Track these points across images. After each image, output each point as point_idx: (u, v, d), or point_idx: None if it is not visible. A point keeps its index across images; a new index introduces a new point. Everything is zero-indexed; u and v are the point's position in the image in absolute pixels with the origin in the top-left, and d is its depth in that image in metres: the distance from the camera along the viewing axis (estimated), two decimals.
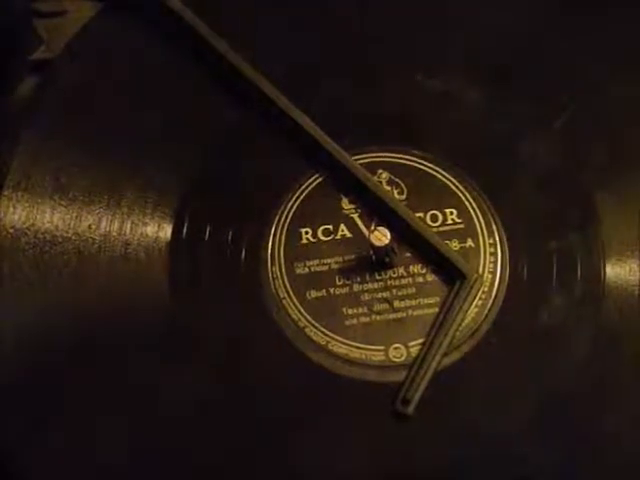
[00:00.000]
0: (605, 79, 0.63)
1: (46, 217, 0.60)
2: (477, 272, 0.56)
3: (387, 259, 0.59)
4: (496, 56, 0.64)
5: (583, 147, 0.62)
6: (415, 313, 0.58)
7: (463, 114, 0.63)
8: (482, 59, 0.64)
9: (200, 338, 0.58)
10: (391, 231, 0.57)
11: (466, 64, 0.64)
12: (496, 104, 0.63)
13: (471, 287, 0.53)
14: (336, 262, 0.60)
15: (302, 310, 0.59)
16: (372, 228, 0.57)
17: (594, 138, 0.62)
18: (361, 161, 0.61)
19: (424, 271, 0.59)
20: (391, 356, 0.58)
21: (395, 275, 0.60)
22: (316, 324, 0.59)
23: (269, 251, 0.60)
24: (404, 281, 0.59)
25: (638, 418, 0.57)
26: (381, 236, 0.57)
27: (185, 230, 0.60)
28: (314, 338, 0.58)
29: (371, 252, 0.59)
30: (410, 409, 0.54)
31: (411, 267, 0.60)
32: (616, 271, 0.59)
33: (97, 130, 0.62)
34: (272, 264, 0.60)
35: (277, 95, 0.61)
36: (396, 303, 0.59)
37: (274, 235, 0.61)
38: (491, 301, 0.58)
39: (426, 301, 0.59)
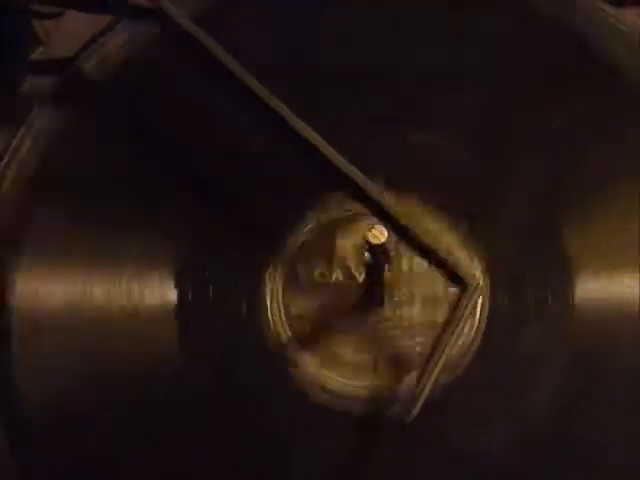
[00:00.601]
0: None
1: (59, 287, 0.62)
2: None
3: (382, 257, 0.59)
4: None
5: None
6: (404, 352, 0.61)
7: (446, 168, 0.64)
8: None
9: (208, 389, 0.61)
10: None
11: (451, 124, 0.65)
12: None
13: (472, 294, 0.53)
14: (330, 304, 0.62)
15: (299, 347, 0.61)
16: (370, 226, 0.57)
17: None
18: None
19: (411, 315, 0.62)
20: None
21: (384, 317, 0.62)
22: (313, 361, 0.61)
23: (268, 296, 0.62)
24: (390, 323, 0.62)
25: (619, 435, 0.59)
26: (378, 234, 0.57)
27: (188, 288, 0.62)
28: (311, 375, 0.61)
29: (366, 251, 0.59)
30: (413, 413, 0.54)
31: (397, 311, 0.62)
32: (587, 288, 0.61)
33: (97, 203, 0.63)
34: (271, 309, 0.62)
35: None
36: (383, 342, 0.61)
37: (271, 281, 0.63)
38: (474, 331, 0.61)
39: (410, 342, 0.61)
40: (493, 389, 0.60)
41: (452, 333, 0.52)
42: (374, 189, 0.54)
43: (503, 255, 0.63)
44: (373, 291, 0.62)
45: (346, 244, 0.63)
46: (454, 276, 0.53)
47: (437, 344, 0.52)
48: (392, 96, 0.64)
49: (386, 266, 0.61)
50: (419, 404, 0.52)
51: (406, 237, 0.53)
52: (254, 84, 0.55)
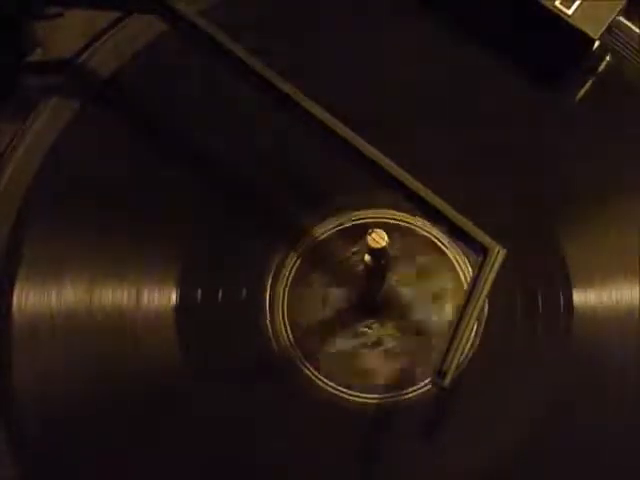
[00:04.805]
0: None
1: (58, 288, 0.61)
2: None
3: (383, 262, 0.59)
4: None
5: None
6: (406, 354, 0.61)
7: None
8: None
9: (209, 389, 0.60)
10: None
11: None
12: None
13: (495, 259, 0.52)
14: (332, 307, 0.62)
15: (300, 348, 0.61)
16: (370, 230, 0.57)
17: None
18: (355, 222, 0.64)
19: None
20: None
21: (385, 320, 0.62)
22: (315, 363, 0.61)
23: (270, 297, 0.62)
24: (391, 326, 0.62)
25: (618, 436, 0.59)
26: (379, 238, 0.57)
27: (189, 289, 0.62)
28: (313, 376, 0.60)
29: (366, 256, 0.59)
30: (447, 381, 0.53)
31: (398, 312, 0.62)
32: (584, 299, 0.61)
33: (98, 203, 0.63)
34: (273, 310, 0.62)
35: None
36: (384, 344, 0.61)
37: (273, 282, 0.62)
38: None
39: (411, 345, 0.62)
40: (491, 390, 0.60)
41: (478, 298, 0.51)
42: (390, 163, 0.54)
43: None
44: (374, 294, 0.61)
45: (349, 248, 0.63)
46: (475, 244, 0.53)
47: (463, 312, 0.51)
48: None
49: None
50: (453, 367, 0.50)
51: (424, 207, 0.53)
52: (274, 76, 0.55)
